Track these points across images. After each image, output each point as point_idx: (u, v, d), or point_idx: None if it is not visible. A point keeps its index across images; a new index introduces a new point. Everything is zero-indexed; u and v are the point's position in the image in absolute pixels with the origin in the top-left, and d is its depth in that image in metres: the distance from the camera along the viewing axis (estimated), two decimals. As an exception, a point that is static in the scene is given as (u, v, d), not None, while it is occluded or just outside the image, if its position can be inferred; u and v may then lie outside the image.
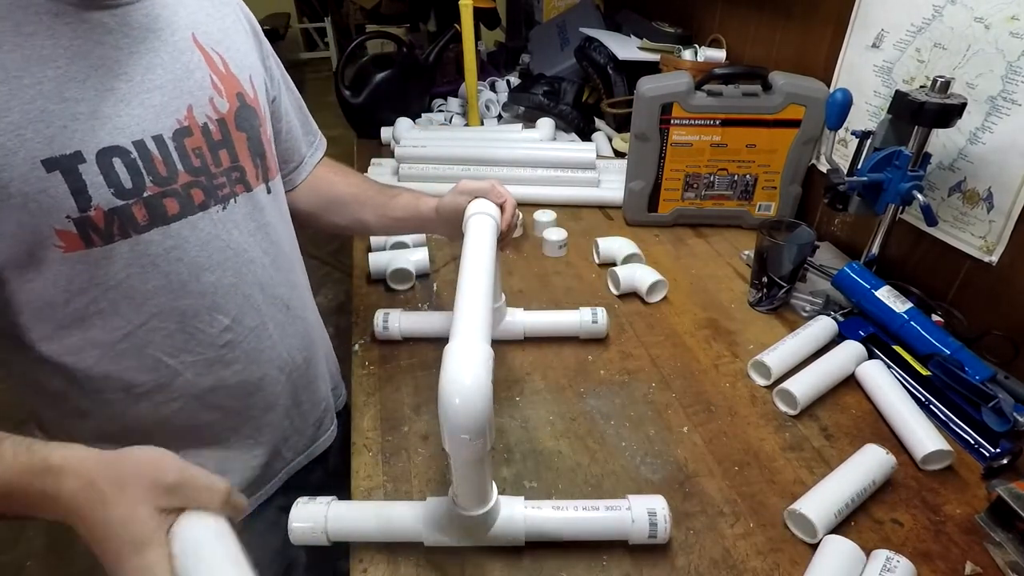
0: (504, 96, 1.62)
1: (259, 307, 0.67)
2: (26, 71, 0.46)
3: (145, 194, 0.54)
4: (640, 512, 0.58)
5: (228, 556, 0.43)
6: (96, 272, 0.53)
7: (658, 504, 0.59)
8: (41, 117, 0.47)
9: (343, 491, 0.66)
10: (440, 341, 0.55)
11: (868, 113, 0.97)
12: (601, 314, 0.86)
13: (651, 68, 1.37)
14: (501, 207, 0.73)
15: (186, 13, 0.59)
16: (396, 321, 0.85)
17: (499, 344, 0.87)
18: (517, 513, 0.59)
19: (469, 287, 0.56)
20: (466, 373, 0.48)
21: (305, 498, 0.60)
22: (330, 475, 0.85)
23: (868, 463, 0.64)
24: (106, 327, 0.56)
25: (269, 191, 0.68)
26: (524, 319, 0.87)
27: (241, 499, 0.46)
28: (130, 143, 0.52)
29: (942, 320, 0.82)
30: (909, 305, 0.80)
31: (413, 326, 0.86)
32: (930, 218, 0.80)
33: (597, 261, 1.05)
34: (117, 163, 0.51)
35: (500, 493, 0.65)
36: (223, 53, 0.61)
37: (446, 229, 0.79)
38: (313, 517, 0.59)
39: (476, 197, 0.73)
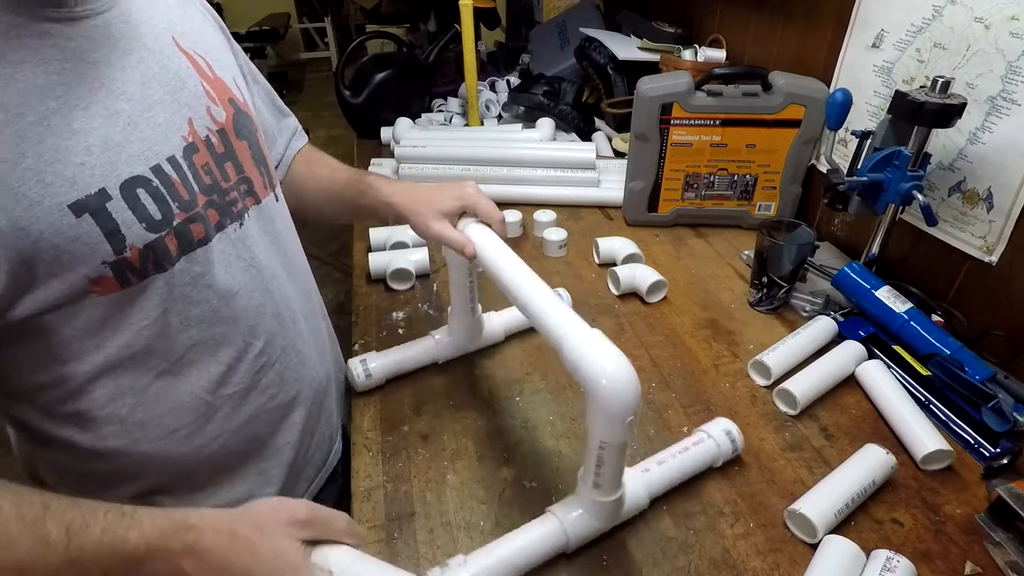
0: (504, 96, 1.62)
1: (286, 324, 0.64)
2: (27, 106, 0.42)
3: (175, 223, 0.50)
4: (720, 436, 0.66)
5: (381, 566, 0.49)
6: (130, 311, 0.50)
7: (729, 425, 0.67)
8: (57, 157, 0.43)
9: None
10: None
11: (868, 113, 0.97)
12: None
13: (651, 68, 1.37)
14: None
15: (160, 15, 0.54)
16: (376, 363, 0.77)
17: (499, 343, 0.87)
18: (639, 480, 0.62)
19: (536, 293, 0.56)
20: (604, 358, 0.48)
21: (437, 570, 0.53)
22: (341, 495, 0.79)
23: (868, 463, 0.64)
24: (140, 370, 0.52)
25: (277, 199, 0.65)
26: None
27: (360, 529, 0.49)
28: (148, 170, 0.48)
29: (942, 320, 0.82)
30: (909, 305, 0.80)
31: (396, 365, 0.79)
32: (930, 218, 0.80)
33: (597, 261, 1.05)
34: (142, 194, 0.48)
35: (500, 494, 0.66)
36: (204, 55, 0.57)
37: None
38: None
39: (464, 215, 0.69)
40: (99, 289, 0.47)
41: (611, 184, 1.24)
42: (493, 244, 0.65)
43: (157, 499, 0.60)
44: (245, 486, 0.65)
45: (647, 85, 1.04)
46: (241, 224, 0.58)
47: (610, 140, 1.47)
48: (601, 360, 0.48)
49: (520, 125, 1.46)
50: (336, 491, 0.82)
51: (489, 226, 0.68)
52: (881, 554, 0.55)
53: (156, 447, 0.56)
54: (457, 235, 0.67)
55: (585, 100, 1.58)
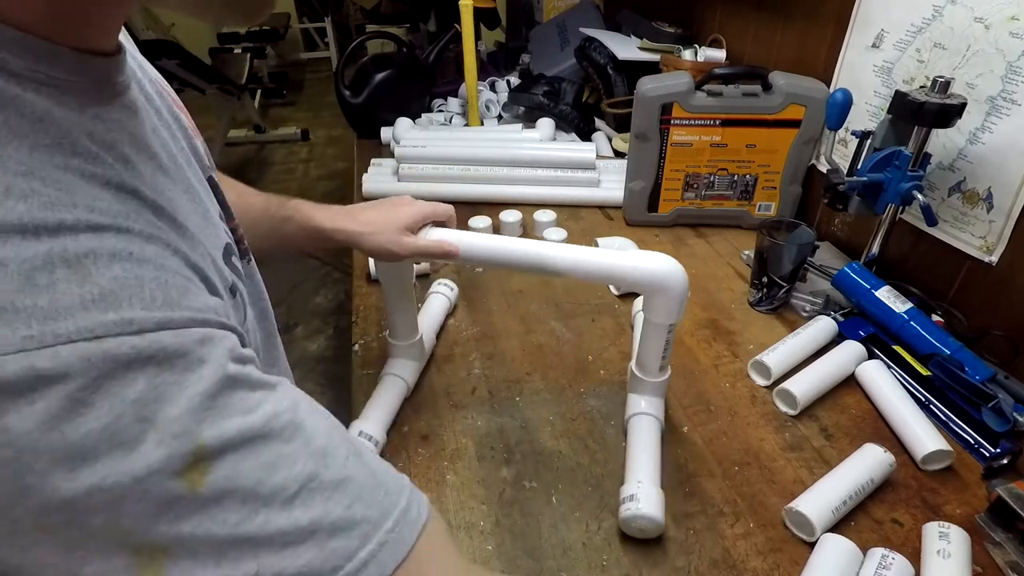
0: (504, 96, 1.61)
1: (280, 359, 0.59)
2: (190, 206, 0.38)
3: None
4: None
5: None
6: None
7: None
8: (205, 251, 0.37)
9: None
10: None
11: (868, 113, 0.97)
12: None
13: (651, 68, 1.37)
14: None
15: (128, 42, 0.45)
16: (372, 428, 0.70)
17: (499, 344, 0.87)
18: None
19: (559, 250, 0.65)
20: (661, 260, 0.63)
21: None
22: None
23: (865, 461, 0.65)
24: None
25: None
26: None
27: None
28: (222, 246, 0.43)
29: (942, 320, 0.82)
30: (909, 305, 0.80)
31: (388, 417, 0.74)
32: (930, 218, 0.80)
33: (597, 261, 1.05)
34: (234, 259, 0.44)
35: (500, 494, 0.66)
36: (156, 78, 0.49)
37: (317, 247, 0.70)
38: None
39: (424, 226, 0.68)
40: None
41: (611, 184, 1.24)
42: (477, 237, 0.68)
43: None
44: None
45: (647, 85, 1.04)
46: (250, 260, 0.54)
47: (610, 140, 1.47)
48: (661, 262, 0.63)
49: (520, 125, 1.46)
50: None
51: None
52: (877, 552, 0.55)
53: None
54: (434, 243, 0.66)
55: (585, 100, 1.58)
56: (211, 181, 0.49)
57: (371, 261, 0.99)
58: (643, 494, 0.60)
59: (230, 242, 0.45)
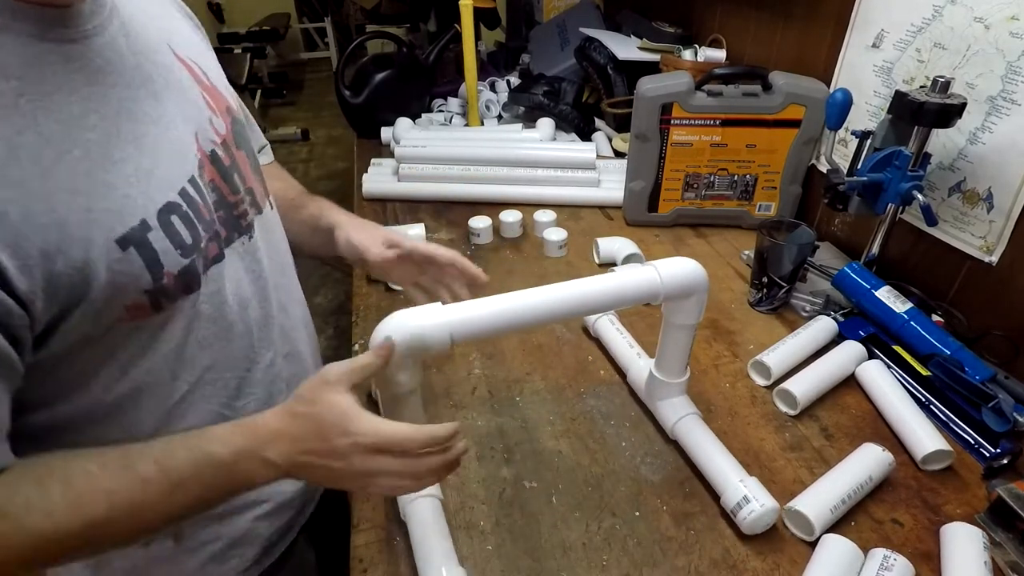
0: (504, 96, 1.62)
1: (289, 331, 0.64)
2: (71, 140, 0.41)
3: (201, 245, 0.49)
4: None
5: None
6: (156, 337, 0.49)
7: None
8: (104, 192, 0.42)
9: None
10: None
11: (868, 113, 0.97)
12: None
13: (651, 68, 1.37)
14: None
15: (151, 22, 0.51)
16: None
17: (499, 344, 0.87)
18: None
19: (575, 288, 0.58)
20: (688, 265, 0.62)
21: None
22: (343, 494, 0.75)
23: (864, 460, 0.65)
24: (162, 395, 0.52)
25: (272, 206, 0.64)
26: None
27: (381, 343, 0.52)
28: (177, 195, 0.47)
29: (942, 320, 0.82)
30: (909, 305, 0.80)
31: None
32: (930, 218, 0.80)
33: (597, 261, 1.05)
34: (175, 220, 0.47)
35: (500, 494, 0.66)
36: (198, 60, 0.55)
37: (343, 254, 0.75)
38: None
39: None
40: (129, 316, 0.46)
41: (611, 184, 1.24)
42: (477, 308, 0.55)
43: None
44: (265, 490, 0.63)
45: (647, 85, 1.04)
46: (250, 237, 0.57)
47: (610, 140, 1.47)
48: (685, 266, 0.62)
49: (520, 125, 1.46)
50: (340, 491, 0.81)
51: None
52: (879, 553, 0.55)
53: None
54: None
55: (585, 100, 1.58)
56: (213, 156, 0.53)
57: None
58: (752, 492, 0.60)
59: (210, 215, 0.50)
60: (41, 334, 0.42)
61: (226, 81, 0.61)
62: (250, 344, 0.58)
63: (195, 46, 0.57)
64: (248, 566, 0.65)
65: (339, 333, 2.11)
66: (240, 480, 0.47)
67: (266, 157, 0.77)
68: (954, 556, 0.57)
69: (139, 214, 0.44)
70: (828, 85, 1.03)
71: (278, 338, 0.62)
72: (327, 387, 0.48)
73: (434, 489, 0.62)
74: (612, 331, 0.84)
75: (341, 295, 2.52)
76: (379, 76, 1.52)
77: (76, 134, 0.41)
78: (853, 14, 0.97)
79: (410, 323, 0.52)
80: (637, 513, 0.64)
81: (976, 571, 0.55)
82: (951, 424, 0.72)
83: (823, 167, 0.94)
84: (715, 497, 0.65)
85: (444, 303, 0.54)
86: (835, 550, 0.56)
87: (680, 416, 0.69)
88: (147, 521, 0.45)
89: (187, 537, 0.60)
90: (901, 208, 0.85)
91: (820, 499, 0.61)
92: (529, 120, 1.49)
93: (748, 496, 0.59)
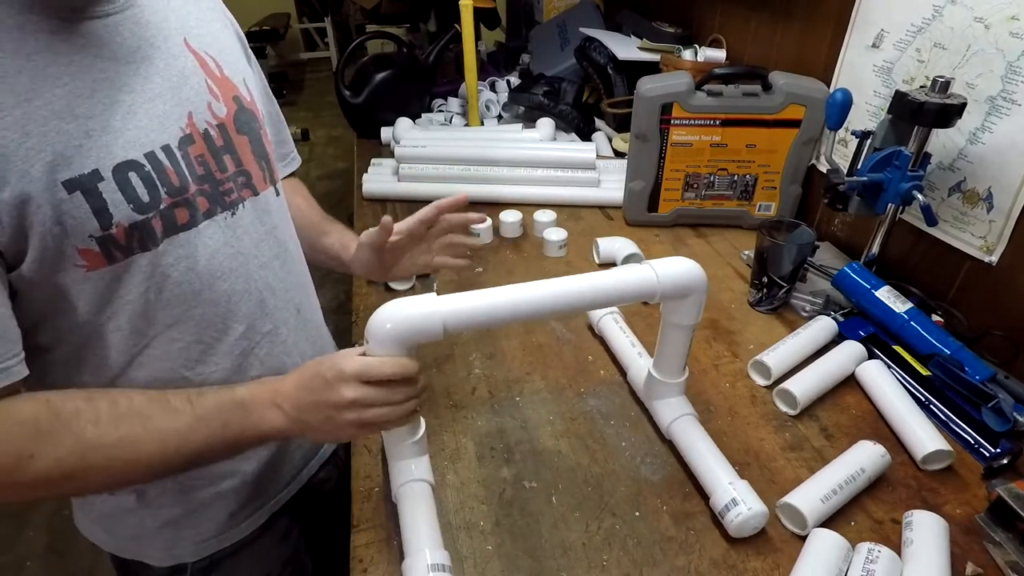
0: (504, 96, 1.62)
1: (271, 312, 0.66)
2: (35, 92, 0.46)
3: (161, 207, 0.53)
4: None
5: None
6: (115, 287, 0.53)
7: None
8: (58, 138, 0.47)
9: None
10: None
11: (868, 113, 0.97)
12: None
13: (651, 68, 1.37)
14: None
15: (175, 18, 0.58)
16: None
17: (499, 344, 0.87)
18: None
19: (573, 283, 0.59)
20: (686, 264, 0.62)
21: None
22: (342, 493, 0.79)
23: (855, 453, 0.65)
24: (121, 345, 0.56)
25: (277, 193, 0.68)
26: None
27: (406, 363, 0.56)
28: (142, 156, 0.52)
29: (942, 320, 0.82)
30: (909, 305, 0.80)
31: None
32: (930, 218, 0.80)
33: (597, 261, 1.05)
34: (133, 177, 0.51)
35: (500, 494, 0.66)
36: (216, 56, 0.61)
37: (365, 272, 0.81)
38: None
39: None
40: (87, 263, 0.50)
41: (611, 184, 1.24)
42: (471, 300, 0.56)
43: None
44: (225, 461, 0.66)
45: (647, 85, 1.04)
46: (233, 213, 0.61)
47: (610, 140, 1.47)
48: (683, 265, 0.61)
49: (520, 125, 1.46)
50: (335, 484, 0.84)
51: None
52: (864, 547, 0.56)
53: None
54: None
55: (585, 100, 1.58)
56: (206, 134, 0.58)
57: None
58: (741, 495, 0.60)
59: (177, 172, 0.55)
60: (12, 257, 0.47)
61: (249, 77, 0.66)
62: (218, 314, 0.61)
63: (219, 44, 0.62)
64: (205, 539, 0.69)
65: (339, 333, 2.10)
66: (252, 424, 0.55)
67: (288, 166, 0.82)
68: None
69: (92, 164, 0.49)
70: (828, 85, 1.03)
71: (257, 315, 0.65)
72: (335, 357, 0.55)
73: (425, 473, 0.63)
74: (616, 330, 0.84)
75: (341, 295, 2.52)
76: (379, 76, 1.52)
77: (42, 88, 0.46)
78: (853, 14, 0.97)
79: (403, 312, 0.54)
80: (637, 513, 0.64)
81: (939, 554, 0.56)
82: (951, 424, 0.72)
83: (823, 167, 0.94)
84: (715, 497, 0.65)
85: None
86: (823, 543, 0.57)
87: (675, 417, 0.69)
88: (169, 449, 0.52)
89: (150, 497, 0.65)
90: (901, 208, 0.85)
91: (810, 491, 0.61)
92: (529, 120, 1.49)
93: (736, 499, 0.59)
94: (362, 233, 0.77)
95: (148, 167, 0.52)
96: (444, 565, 0.55)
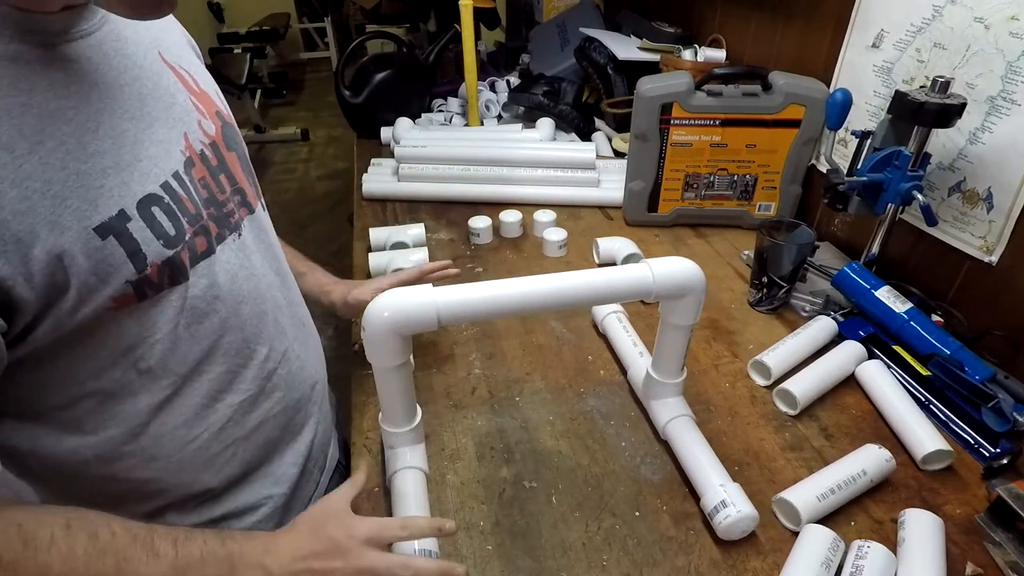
0: (504, 96, 1.62)
1: (285, 329, 0.65)
2: (45, 133, 0.42)
3: (187, 237, 0.51)
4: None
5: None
6: (147, 325, 0.50)
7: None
8: (79, 181, 0.44)
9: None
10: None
11: (868, 113, 0.97)
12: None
13: (651, 68, 1.37)
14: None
15: (144, 29, 0.54)
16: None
17: (499, 344, 0.87)
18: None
19: (573, 279, 0.60)
20: (685, 265, 0.61)
21: None
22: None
23: (858, 455, 0.65)
24: (154, 388, 0.53)
25: (264, 207, 0.66)
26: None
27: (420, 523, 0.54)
28: (159, 187, 0.49)
29: (942, 320, 0.82)
30: (909, 305, 0.80)
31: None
32: (930, 218, 0.80)
33: (597, 261, 1.05)
34: (157, 212, 0.48)
35: (500, 494, 0.66)
36: (188, 69, 0.58)
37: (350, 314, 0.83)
38: None
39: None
40: (116, 305, 0.47)
41: (611, 184, 1.24)
42: (467, 292, 0.58)
43: (168, 514, 0.60)
44: (258, 490, 0.65)
45: (647, 85, 1.04)
46: (239, 235, 0.59)
47: (610, 140, 1.47)
48: (681, 265, 0.61)
49: (520, 125, 1.46)
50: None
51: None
52: (855, 544, 0.56)
53: (171, 461, 0.57)
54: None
55: (585, 100, 1.58)
56: (203, 155, 0.56)
57: (371, 261, 0.99)
58: (731, 497, 0.60)
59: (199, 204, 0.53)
60: (29, 322, 0.43)
61: (217, 89, 0.63)
62: (245, 339, 0.59)
63: (187, 57, 0.59)
64: None
65: (339, 334, 2.11)
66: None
67: None
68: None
69: (116, 204, 0.46)
70: (828, 85, 1.03)
71: (275, 335, 0.63)
72: (327, 503, 0.54)
73: (419, 461, 0.64)
74: (619, 329, 0.84)
75: (341, 295, 2.52)
76: (379, 76, 1.52)
77: (51, 128, 0.43)
78: (853, 14, 0.97)
79: (399, 301, 0.55)
80: (637, 513, 0.64)
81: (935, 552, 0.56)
82: (951, 424, 0.72)
83: (823, 167, 0.94)
84: (715, 497, 0.65)
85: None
86: (814, 539, 0.57)
87: (671, 417, 0.69)
88: None
89: None
90: (901, 208, 0.85)
91: (807, 489, 0.62)
92: (529, 120, 1.49)
93: (726, 500, 0.59)
94: (350, 295, 0.82)
95: (167, 198, 0.50)
96: (431, 551, 0.55)
